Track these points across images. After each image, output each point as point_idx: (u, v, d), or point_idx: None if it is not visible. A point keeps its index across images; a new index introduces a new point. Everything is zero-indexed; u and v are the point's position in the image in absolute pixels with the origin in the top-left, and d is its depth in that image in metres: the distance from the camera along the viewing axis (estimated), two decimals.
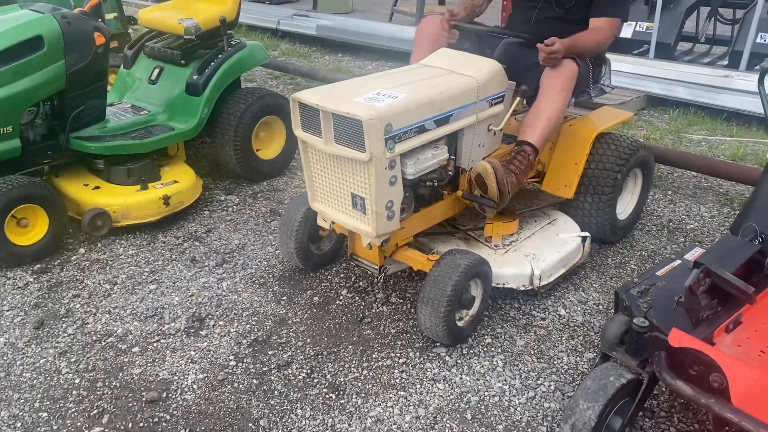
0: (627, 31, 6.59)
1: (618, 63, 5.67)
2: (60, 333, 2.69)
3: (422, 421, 2.24)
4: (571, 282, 3.03)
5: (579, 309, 2.85)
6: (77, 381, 2.43)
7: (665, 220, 3.65)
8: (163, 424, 2.23)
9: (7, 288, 2.99)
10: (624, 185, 3.27)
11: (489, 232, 2.90)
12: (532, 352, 2.58)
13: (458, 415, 2.27)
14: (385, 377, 2.44)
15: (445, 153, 2.59)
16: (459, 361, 2.52)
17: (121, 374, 2.46)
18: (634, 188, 3.41)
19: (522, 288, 2.74)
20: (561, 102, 2.81)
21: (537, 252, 2.84)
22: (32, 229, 3.19)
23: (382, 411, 2.28)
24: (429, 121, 2.43)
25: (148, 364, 2.51)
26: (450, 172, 2.68)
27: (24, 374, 2.46)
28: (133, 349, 2.59)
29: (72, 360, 2.53)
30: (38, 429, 2.21)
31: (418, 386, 2.39)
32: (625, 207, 3.38)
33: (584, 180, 3.09)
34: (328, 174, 2.50)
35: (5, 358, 2.54)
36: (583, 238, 3.00)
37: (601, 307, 2.87)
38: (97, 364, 2.51)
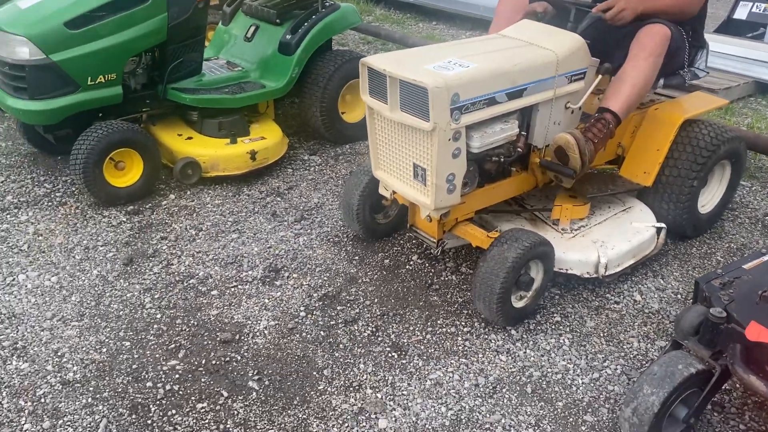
0: (742, 12, 6.19)
1: (727, 46, 5.36)
2: (146, 271, 2.86)
3: (481, 389, 2.25)
4: (651, 268, 2.93)
5: (656, 296, 2.76)
6: (158, 316, 2.58)
7: (761, 213, 3.46)
8: (234, 363, 2.35)
9: (102, 225, 3.20)
10: (710, 177, 3.10)
11: (557, 214, 2.77)
12: (602, 335, 2.53)
13: (518, 388, 2.27)
14: (448, 343, 2.46)
15: (516, 128, 2.45)
16: (524, 336, 2.51)
17: (198, 314, 2.60)
18: (721, 180, 3.20)
19: (586, 275, 2.63)
20: (648, 68, 2.62)
21: (606, 239, 2.71)
22: (128, 172, 3.39)
23: (441, 375, 2.31)
24: (500, 93, 2.32)
25: (225, 307, 2.63)
26: (519, 149, 2.53)
27: (111, 305, 2.64)
28: (212, 292, 2.73)
29: (155, 297, 2.69)
30: (121, 356, 2.37)
31: (480, 356, 2.40)
32: (708, 200, 3.19)
33: (665, 169, 2.91)
34: (391, 142, 2.45)
35: (96, 289, 2.73)
36: (659, 230, 2.84)
37: (679, 296, 2.77)
38: (177, 303, 2.66)
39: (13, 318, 2.55)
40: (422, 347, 2.44)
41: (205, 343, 2.45)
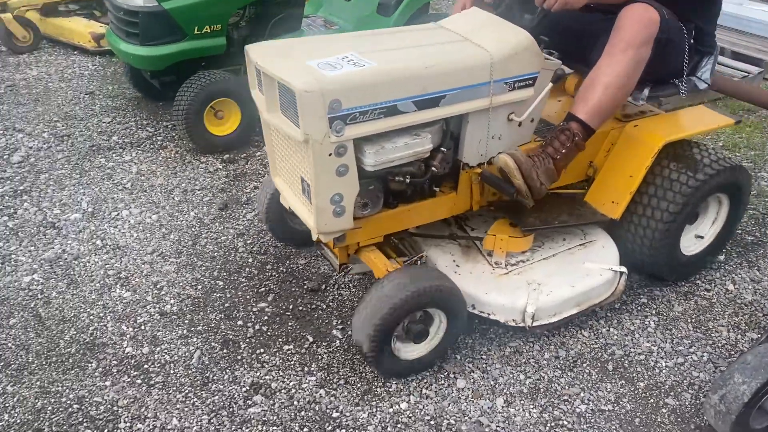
0: None
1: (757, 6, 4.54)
2: (240, 217, 2.98)
3: (561, 361, 2.25)
4: (746, 258, 2.82)
5: (750, 287, 2.66)
6: (250, 260, 2.69)
7: None
8: (319, 311, 2.43)
9: (200, 171, 3.34)
10: (701, 212, 2.59)
11: (490, 244, 2.29)
12: (689, 320, 2.47)
13: (599, 364, 2.25)
14: None
15: (428, 143, 2.01)
16: (609, 315, 2.48)
17: (288, 262, 2.69)
18: (716, 216, 2.62)
19: (512, 323, 2.18)
20: (626, 64, 2.08)
21: (545, 281, 2.23)
22: (226, 122, 3.51)
23: (521, 344, 2.32)
24: (405, 101, 1.88)
25: (312, 258, 2.72)
26: (435, 168, 2.09)
27: (207, 246, 2.77)
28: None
29: (248, 242, 2.81)
30: (215, 294, 2.50)
31: (561, 329, 2.40)
32: (698, 239, 2.64)
33: (639, 200, 2.37)
34: (281, 147, 2.10)
35: (193, 229, 2.87)
36: (619, 273, 2.33)
37: None
38: (268, 250, 2.76)
39: (117, 249, 2.71)
40: None
41: (293, 290, 2.54)
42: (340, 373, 2.16)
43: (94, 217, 2.92)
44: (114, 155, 3.44)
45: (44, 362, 2.17)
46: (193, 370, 2.16)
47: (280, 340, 2.30)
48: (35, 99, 4.02)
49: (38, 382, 2.09)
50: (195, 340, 2.28)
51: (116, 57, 4.01)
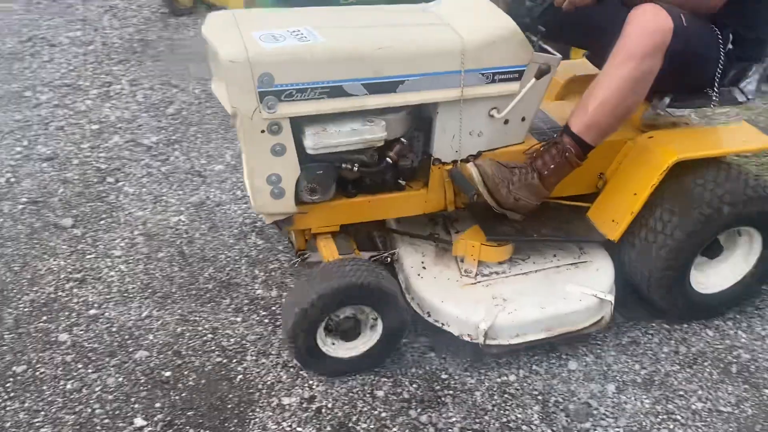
0: None
1: None
2: None
3: (680, 357, 2.18)
4: None
5: None
6: None
7: None
8: None
9: None
10: (728, 246, 2.25)
11: (460, 249, 2.14)
12: None
13: (722, 365, 2.16)
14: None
15: (381, 132, 1.86)
16: (738, 317, 2.36)
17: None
18: (747, 253, 2.25)
19: (467, 338, 2.02)
20: (624, 76, 1.86)
21: (513, 298, 2.03)
22: None
23: (640, 335, 2.27)
24: (353, 83, 1.76)
25: None
26: (390, 159, 1.96)
27: None
28: None
29: None
30: None
31: (684, 326, 2.31)
32: (722, 277, 2.27)
33: (642, 223, 2.08)
34: None
35: None
36: (607, 302, 2.09)
37: None
38: None
39: None
40: (627, 312, 2.39)
41: None
42: (451, 341, 2.22)
43: (236, 170, 3.14)
44: None
45: (185, 294, 2.39)
46: None
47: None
48: (190, 58, 4.33)
49: (179, 311, 2.31)
50: None
51: None
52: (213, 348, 2.16)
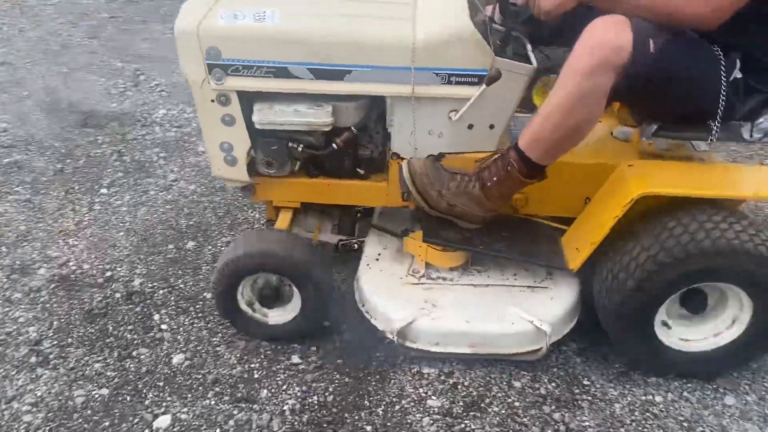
0: None
1: None
2: None
3: None
4: None
5: None
6: None
7: None
8: None
9: None
10: (717, 303, 2.00)
11: (410, 248, 2.13)
12: None
13: None
14: None
15: (327, 117, 1.92)
16: None
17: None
18: (737, 315, 1.97)
19: (388, 336, 2.00)
20: (567, 93, 1.70)
21: (445, 306, 2.00)
22: None
23: None
24: (299, 66, 1.84)
25: None
26: (336, 145, 2.00)
27: None
28: None
29: None
30: None
31: None
32: (704, 334, 2.02)
33: (612, 254, 1.91)
34: None
35: None
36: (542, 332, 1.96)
37: None
38: None
39: None
40: None
41: None
42: (602, 350, 2.18)
43: None
44: None
45: None
46: None
47: None
48: None
49: None
50: None
51: None
52: None
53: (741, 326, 1.95)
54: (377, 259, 2.17)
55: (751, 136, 1.84)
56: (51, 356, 2.07)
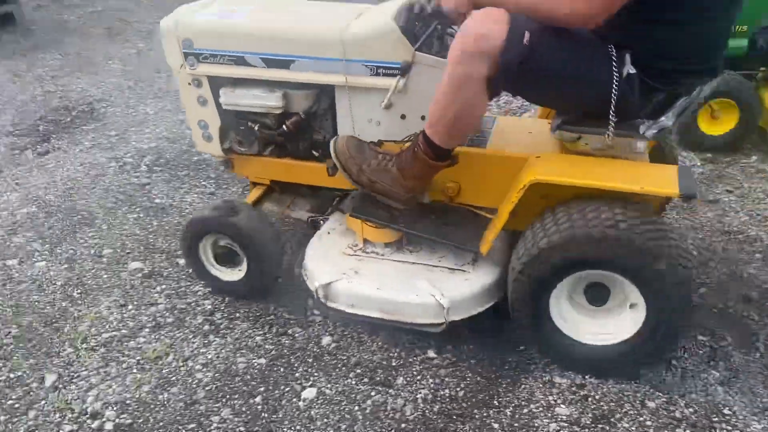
0: None
1: None
2: (698, 212, 3.00)
3: None
4: None
5: None
6: None
7: None
8: (750, 321, 2.35)
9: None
10: (616, 292, 2.02)
11: (350, 224, 2.31)
12: None
13: None
14: None
15: (277, 101, 2.21)
16: None
17: (738, 263, 2.64)
18: (633, 311, 1.98)
19: (316, 296, 2.20)
20: (445, 80, 1.83)
21: (367, 275, 2.20)
22: (721, 122, 3.47)
23: None
24: (253, 55, 2.17)
25: (764, 267, 2.60)
26: (286, 127, 2.26)
27: None
28: (756, 254, 2.70)
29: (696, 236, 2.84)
30: None
31: None
32: (606, 331, 2.05)
33: (510, 241, 2.11)
34: None
35: None
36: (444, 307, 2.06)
37: None
38: (716, 249, 2.75)
39: None
40: None
41: (728, 292, 2.50)
42: (749, 382, 2.09)
43: None
44: None
45: None
46: None
47: (696, 329, 2.33)
48: None
49: None
50: None
51: None
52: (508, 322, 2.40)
53: (636, 324, 1.98)
54: (329, 233, 2.39)
55: (653, 131, 1.88)
56: (221, 326, 2.37)
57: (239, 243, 2.33)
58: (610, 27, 1.72)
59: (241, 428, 1.99)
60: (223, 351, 2.26)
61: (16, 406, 2.08)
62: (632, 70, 1.78)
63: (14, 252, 2.77)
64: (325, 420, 2.00)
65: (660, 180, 1.86)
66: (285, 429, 1.98)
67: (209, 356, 2.24)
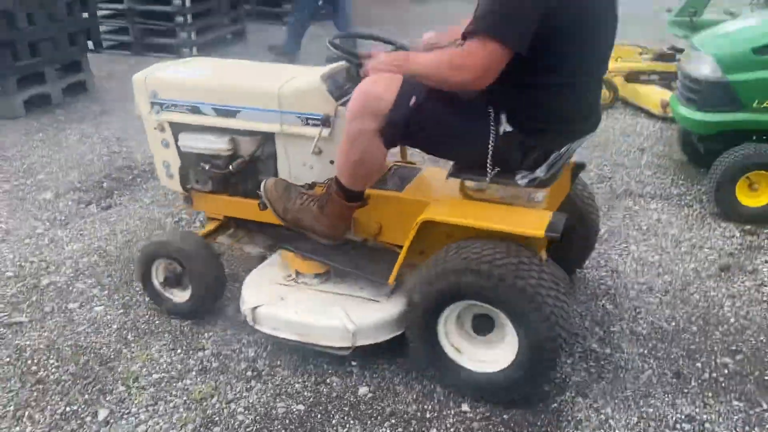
0: None
1: None
2: (737, 282, 3.02)
3: None
4: None
5: None
6: (732, 320, 2.74)
7: None
8: None
9: (716, 233, 3.47)
10: (500, 329, 2.22)
11: (284, 256, 2.60)
12: None
13: None
14: None
15: (223, 145, 2.52)
16: None
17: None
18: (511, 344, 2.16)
19: (244, 316, 2.51)
20: (346, 134, 2.17)
21: (291, 301, 2.47)
22: (760, 194, 3.52)
23: None
24: (206, 105, 2.51)
25: None
26: (231, 168, 2.57)
27: (694, 295, 2.93)
28: None
29: (736, 304, 2.85)
30: (684, 334, 2.67)
31: None
32: (491, 360, 2.24)
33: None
34: None
35: (687, 278, 3.06)
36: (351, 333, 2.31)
37: None
38: (755, 317, 2.75)
39: (614, 272, 3.12)
40: None
41: (762, 359, 2.50)
42: None
43: (606, 242, 3.39)
44: (641, 201, 3.86)
45: None
46: (636, 383, 2.41)
47: (731, 394, 2.34)
48: (594, 145, 4.74)
49: None
50: (652, 362, 2.51)
51: (675, 124, 4.38)
52: None
53: (512, 354, 2.15)
54: (269, 266, 2.66)
55: (521, 181, 2.12)
56: (263, 373, 2.47)
57: (184, 266, 2.62)
58: (491, 90, 1.97)
59: None
60: (263, 396, 2.36)
61: None
62: (509, 128, 2.04)
63: (75, 297, 2.96)
64: None
65: (531, 223, 2.07)
66: None
67: (251, 400, 2.34)
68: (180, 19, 6.98)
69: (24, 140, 4.88)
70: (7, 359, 2.57)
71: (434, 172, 2.68)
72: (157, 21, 7.06)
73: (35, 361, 2.56)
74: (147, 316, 2.79)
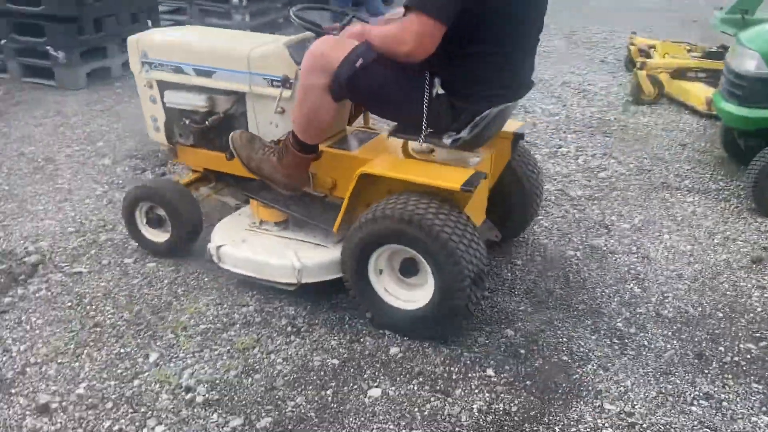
0: None
1: None
2: (767, 274, 3.06)
3: None
4: None
5: None
6: (758, 309, 2.79)
7: None
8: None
9: (750, 227, 3.50)
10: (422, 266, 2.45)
11: (251, 205, 2.88)
12: None
13: None
14: None
15: (201, 102, 2.82)
16: None
17: None
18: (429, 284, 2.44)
19: (209, 256, 2.84)
20: (300, 89, 2.48)
21: (251, 244, 2.75)
22: None
23: None
24: (187, 66, 2.82)
25: None
26: (207, 123, 2.85)
27: (723, 284, 2.99)
28: None
29: (764, 295, 2.89)
30: (708, 319, 2.75)
31: None
32: (413, 299, 2.53)
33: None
34: None
35: (717, 268, 3.12)
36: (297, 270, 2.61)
37: None
38: None
39: (646, 259, 3.19)
40: None
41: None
42: None
43: (639, 231, 3.46)
44: (678, 194, 3.90)
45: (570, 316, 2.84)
46: (658, 361, 2.49)
47: (751, 377, 2.40)
48: (635, 138, 4.78)
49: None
50: (675, 343, 2.59)
51: (719, 121, 4.39)
52: (564, 350, 2.55)
53: (429, 294, 2.42)
54: (240, 214, 2.96)
55: (447, 141, 2.37)
56: (302, 329, 2.63)
57: (165, 209, 2.91)
58: (429, 60, 2.19)
59: (312, 414, 2.23)
60: (301, 349, 2.52)
61: (124, 374, 2.40)
62: (441, 92, 2.28)
63: (131, 253, 3.16)
64: (387, 416, 2.22)
65: (451, 178, 2.32)
66: (350, 419, 2.21)
67: (289, 352, 2.51)
68: (236, 1, 7.19)
69: (85, 110, 5.15)
70: (69, 304, 2.80)
71: (385, 137, 2.80)
72: (214, 2, 7.28)
73: (93, 307, 2.78)
74: (196, 274, 2.98)
